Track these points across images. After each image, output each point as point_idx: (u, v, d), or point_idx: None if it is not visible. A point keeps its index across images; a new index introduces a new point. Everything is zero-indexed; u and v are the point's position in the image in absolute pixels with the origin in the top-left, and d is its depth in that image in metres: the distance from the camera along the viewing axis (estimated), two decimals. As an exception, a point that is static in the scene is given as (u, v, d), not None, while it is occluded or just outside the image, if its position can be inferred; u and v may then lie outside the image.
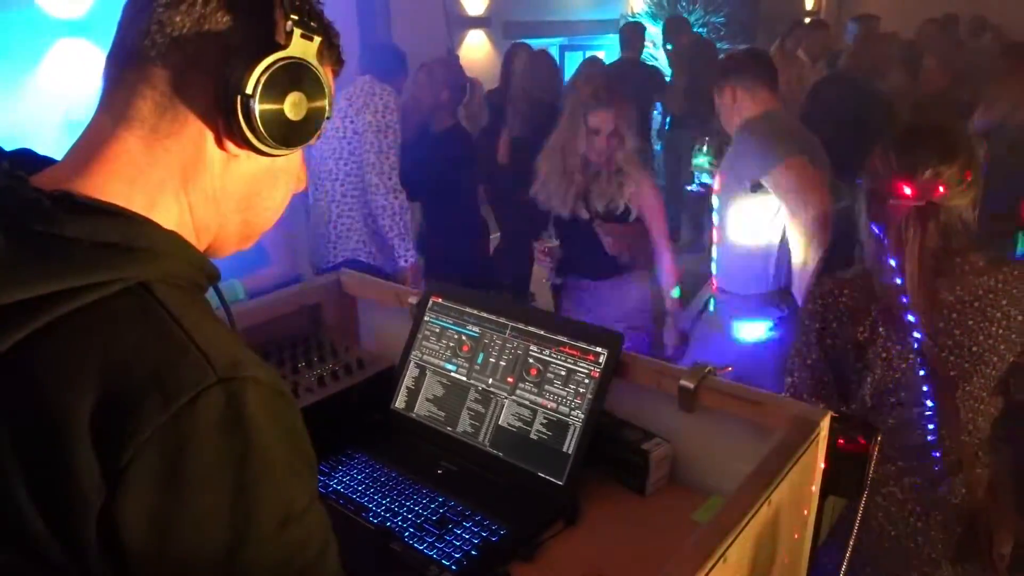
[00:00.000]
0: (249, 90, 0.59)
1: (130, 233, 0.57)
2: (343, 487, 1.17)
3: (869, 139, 1.42)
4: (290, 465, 0.57)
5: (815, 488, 1.03)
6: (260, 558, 0.55)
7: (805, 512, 1.04)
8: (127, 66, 0.61)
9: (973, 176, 1.28)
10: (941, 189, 1.25)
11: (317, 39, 0.62)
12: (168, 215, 0.61)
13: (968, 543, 1.34)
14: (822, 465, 1.02)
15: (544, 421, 1.19)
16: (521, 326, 1.25)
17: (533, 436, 1.19)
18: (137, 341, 0.54)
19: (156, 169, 0.61)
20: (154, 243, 0.58)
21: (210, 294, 0.66)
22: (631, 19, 5.98)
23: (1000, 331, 1.29)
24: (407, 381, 1.34)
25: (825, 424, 1.01)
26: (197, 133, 0.61)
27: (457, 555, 1.02)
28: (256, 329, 1.39)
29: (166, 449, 0.51)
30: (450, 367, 1.30)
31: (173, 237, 0.60)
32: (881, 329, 1.33)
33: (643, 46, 4.94)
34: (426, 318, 1.35)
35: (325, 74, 0.64)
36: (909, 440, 1.35)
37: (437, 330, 1.33)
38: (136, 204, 0.59)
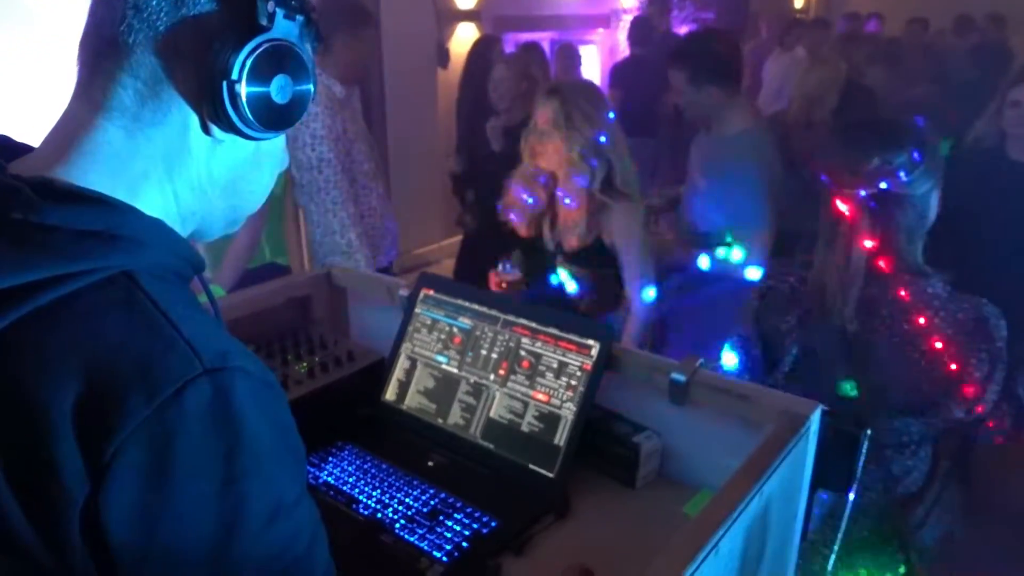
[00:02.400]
0: (235, 75, 0.59)
1: (113, 221, 0.56)
2: (333, 479, 1.16)
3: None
4: (279, 458, 0.56)
5: (805, 481, 1.04)
6: (250, 552, 0.54)
7: (796, 504, 1.05)
8: (104, 53, 0.59)
9: (927, 160, 1.25)
10: (895, 177, 1.23)
11: (299, 18, 0.61)
12: (152, 203, 0.60)
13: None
14: (812, 459, 1.03)
15: (535, 414, 1.19)
16: (512, 318, 1.25)
17: (524, 428, 1.19)
18: (121, 332, 0.53)
19: (139, 159, 0.60)
20: (138, 231, 0.57)
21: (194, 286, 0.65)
22: (625, 13, 5.95)
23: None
24: (398, 373, 1.34)
25: (815, 417, 1.01)
26: (181, 121, 0.60)
27: (448, 547, 1.02)
28: (244, 321, 1.38)
29: (152, 443, 0.50)
30: (441, 359, 1.30)
31: (158, 225, 0.59)
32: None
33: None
34: (417, 311, 1.35)
35: (308, 54, 0.63)
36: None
37: (428, 322, 1.33)
38: (119, 193, 0.58)
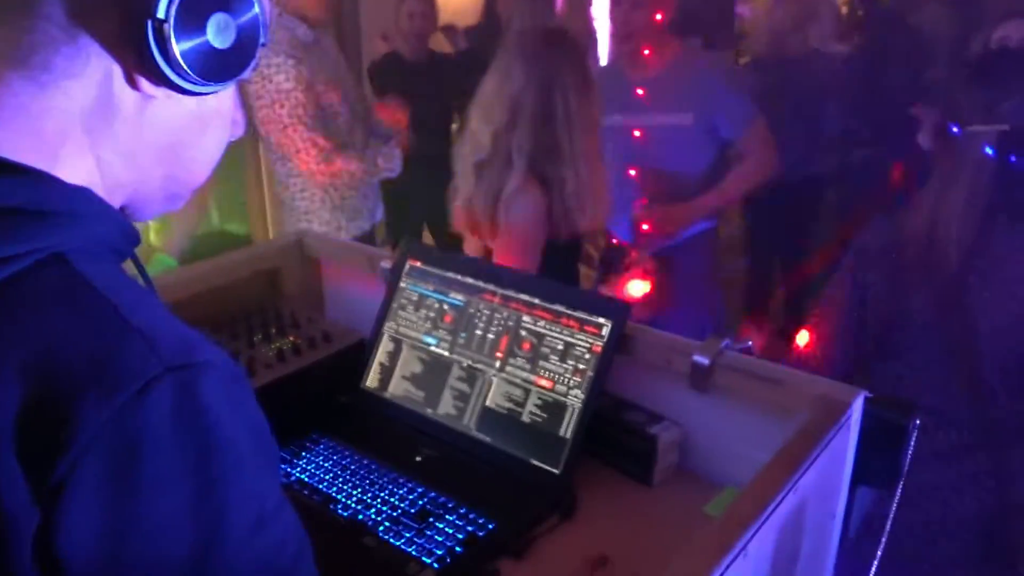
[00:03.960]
0: (161, 13, 0.55)
1: (34, 194, 0.53)
2: (308, 476, 1.17)
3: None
4: (256, 461, 0.55)
5: (845, 477, 1.05)
6: (232, 569, 0.53)
7: (834, 503, 1.06)
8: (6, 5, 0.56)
9: None
10: None
11: None
12: (74, 171, 0.57)
13: None
14: (853, 451, 1.04)
15: (538, 402, 1.19)
16: (512, 293, 1.25)
17: (525, 419, 1.19)
18: (63, 326, 0.50)
19: (54, 117, 0.56)
20: (64, 204, 0.54)
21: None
22: None
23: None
24: (380, 356, 1.34)
25: (858, 405, 1.02)
26: (102, 71, 0.57)
27: (439, 551, 1.03)
28: (203, 297, 1.38)
29: (112, 455, 0.48)
30: (430, 340, 1.30)
31: (85, 195, 0.56)
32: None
33: None
34: (402, 284, 1.35)
35: None
36: None
37: (415, 298, 1.33)
38: (33, 159, 0.55)
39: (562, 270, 1.91)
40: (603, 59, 3.13)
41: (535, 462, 1.17)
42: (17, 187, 0.53)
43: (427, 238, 3.25)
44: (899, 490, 1.07)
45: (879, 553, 1.10)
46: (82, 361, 0.49)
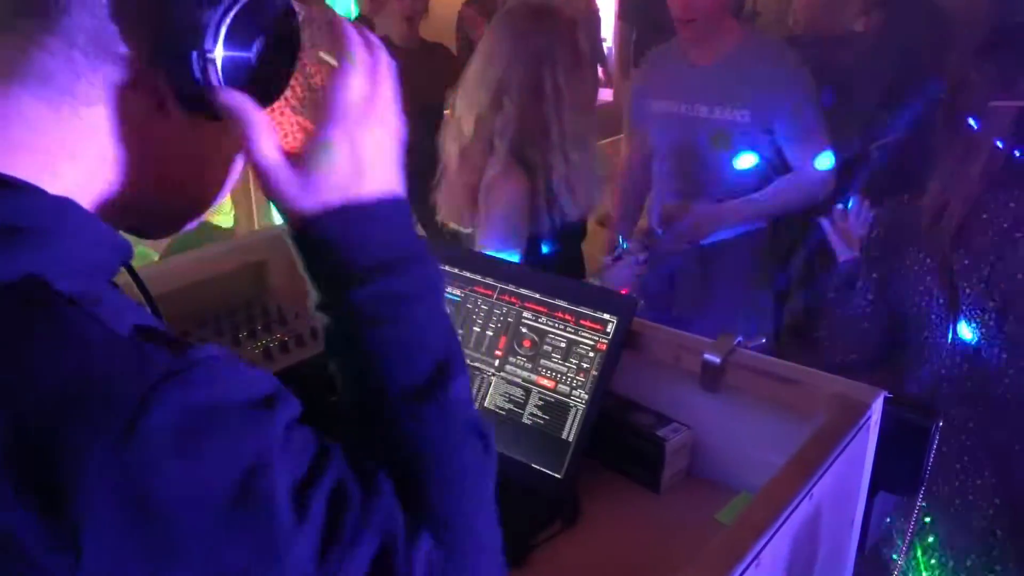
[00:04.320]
0: (207, 42, 0.56)
1: (8, 207, 0.52)
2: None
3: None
4: (286, 441, 0.53)
5: (864, 482, 1.05)
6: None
7: (852, 509, 1.06)
8: (22, 14, 0.55)
9: None
10: None
11: None
12: (70, 185, 0.56)
13: None
14: (872, 455, 1.04)
15: (539, 403, 1.19)
16: (512, 288, 1.25)
17: (526, 420, 1.20)
18: (42, 350, 0.48)
19: (67, 138, 0.56)
20: (41, 219, 0.53)
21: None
22: None
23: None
24: (372, 355, 1.34)
25: (877, 405, 1.02)
26: (127, 99, 0.57)
27: (434, 561, 1.03)
28: (186, 292, 1.38)
29: (126, 477, 0.46)
30: (425, 338, 1.31)
31: (65, 208, 0.55)
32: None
33: None
34: (396, 278, 1.35)
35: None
36: None
37: (409, 293, 1.33)
38: (20, 170, 0.54)
39: (564, 257, 1.91)
40: (608, 39, 3.10)
41: (536, 466, 1.17)
42: None
43: (419, 231, 3.25)
44: (920, 497, 1.07)
45: (901, 563, 1.11)
46: (72, 387, 0.47)
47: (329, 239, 0.61)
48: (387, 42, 3.46)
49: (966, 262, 1.43)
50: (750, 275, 2.38)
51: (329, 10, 0.64)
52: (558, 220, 1.82)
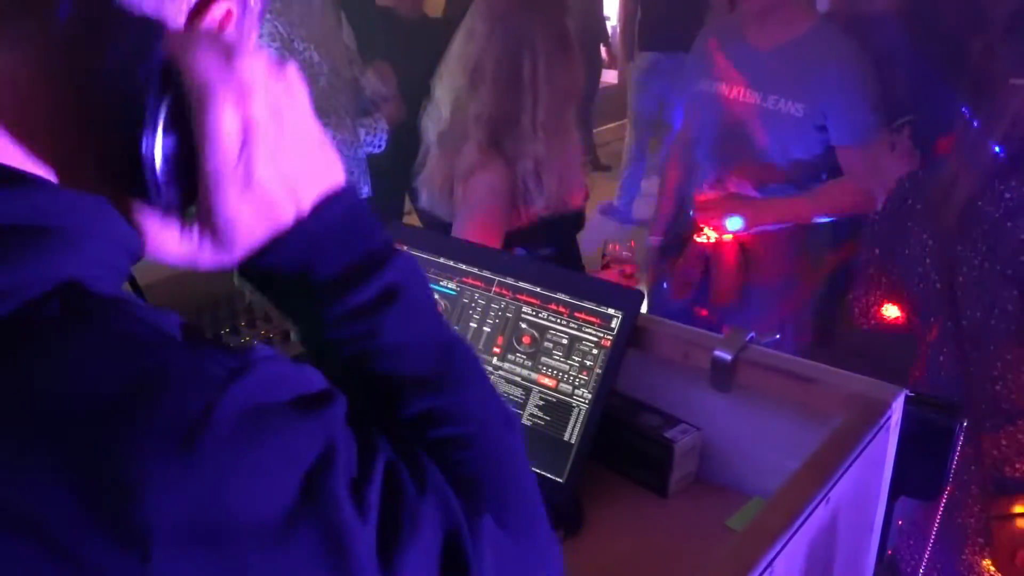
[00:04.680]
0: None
1: (40, 206, 0.50)
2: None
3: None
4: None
5: (884, 486, 1.05)
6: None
7: (871, 514, 1.06)
8: None
9: None
10: None
11: None
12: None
13: None
14: (892, 457, 1.04)
15: (540, 403, 1.20)
16: (511, 281, 1.25)
17: (526, 421, 1.20)
18: (98, 359, 0.47)
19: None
20: (76, 220, 0.51)
21: None
22: None
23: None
24: (363, 352, 1.35)
25: (898, 405, 1.02)
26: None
27: (429, 570, 1.04)
28: (163, 286, 1.37)
29: (193, 483, 0.46)
30: (418, 334, 1.31)
31: (99, 208, 0.53)
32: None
33: None
34: (387, 271, 1.35)
35: None
36: None
37: (401, 287, 1.34)
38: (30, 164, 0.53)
39: (559, 249, 1.91)
40: (612, 18, 3.08)
41: (536, 470, 1.17)
42: (20, 198, 0.50)
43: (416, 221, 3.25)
44: (943, 501, 1.08)
45: (921, 572, 1.11)
46: (132, 404, 0.46)
47: (277, 274, 0.60)
48: (391, 16, 3.40)
49: (959, 248, 1.47)
50: (791, 267, 2.38)
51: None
52: (524, 215, 1.80)
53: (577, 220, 1.99)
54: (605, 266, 2.05)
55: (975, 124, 1.51)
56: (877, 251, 1.66)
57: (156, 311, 0.52)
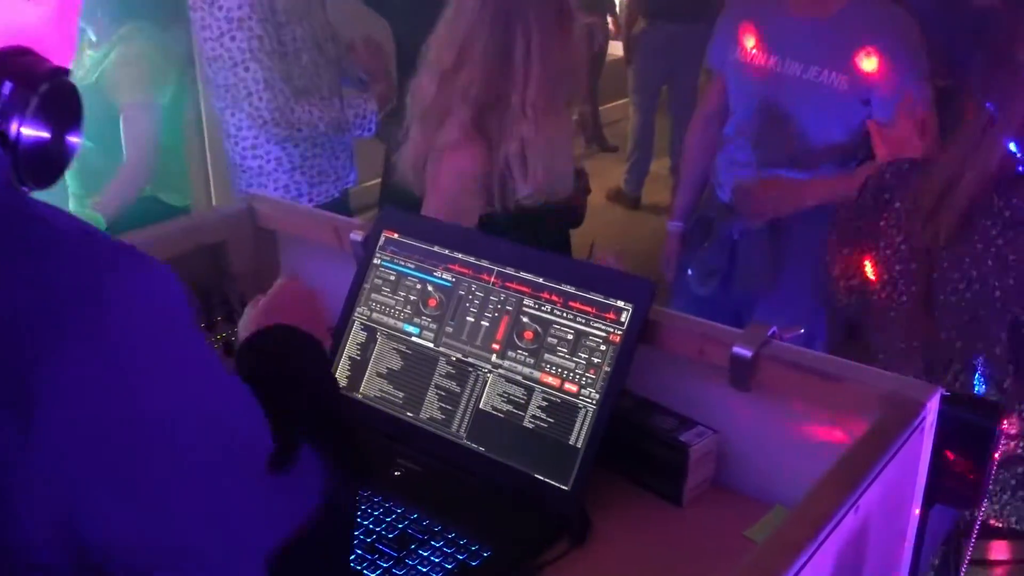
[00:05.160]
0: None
1: None
2: (262, 495, 1.17)
3: None
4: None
5: (917, 493, 1.05)
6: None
7: (904, 524, 1.06)
8: None
9: None
10: None
11: None
12: None
13: None
14: (927, 462, 1.04)
15: (543, 404, 1.19)
16: (512, 272, 1.25)
17: (528, 424, 1.20)
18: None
19: None
20: None
21: None
22: None
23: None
24: (350, 349, 1.34)
25: (933, 405, 1.02)
26: None
27: (423, 586, 1.03)
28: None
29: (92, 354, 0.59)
30: (411, 329, 1.31)
31: None
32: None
33: None
34: (376, 261, 1.35)
35: None
36: None
37: (392, 277, 1.33)
38: None
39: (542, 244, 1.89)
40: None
41: (540, 477, 1.17)
42: None
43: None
44: (982, 510, 1.07)
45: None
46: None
47: None
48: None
49: (945, 265, 1.41)
50: (825, 253, 2.37)
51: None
52: (501, 202, 1.79)
53: (568, 213, 1.96)
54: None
55: (992, 113, 1.42)
56: (845, 251, 1.60)
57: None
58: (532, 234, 1.83)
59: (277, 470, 0.70)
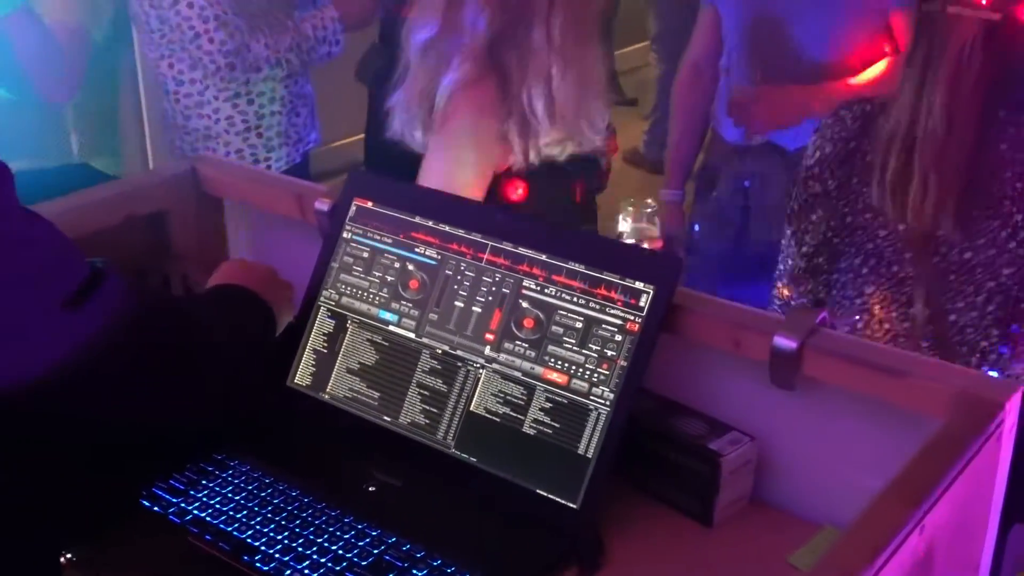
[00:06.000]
0: None
1: None
2: (211, 515, 1.18)
3: None
4: None
5: (994, 510, 1.06)
6: None
7: (977, 547, 1.07)
8: None
9: None
10: None
11: None
12: None
13: None
14: (1006, 474, 1.05)
15: (547, 405, 1.20)
16: (509, 247, 1.25)
17: (528, 430, 1.20)
18: None
19: None
20: None
21: None
22: None
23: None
24: (315, 340, 1.35)
25: (1013, 406, 1.02)
26: None
27: (403, 622, 1.04)
28: (84, 248, 1.38)
29: None
30: (388, 316, 1.31)
31: None
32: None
33: None
34: (346, 235, 1.35)
35: None
36: None
37: (365, 255, 1.33)
38: None
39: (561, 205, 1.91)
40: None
41: (543, 493, 1.18)
42: None
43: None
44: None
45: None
46: None
47: None
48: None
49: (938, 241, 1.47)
50: None
51: None
52: (520, 155, 1.80)
53: (592, 170, 1.97)
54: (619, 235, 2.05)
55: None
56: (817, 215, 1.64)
57: None
58: (556, 195, 1.84)
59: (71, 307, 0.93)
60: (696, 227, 2.58)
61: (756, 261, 2.37)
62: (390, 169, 1.89)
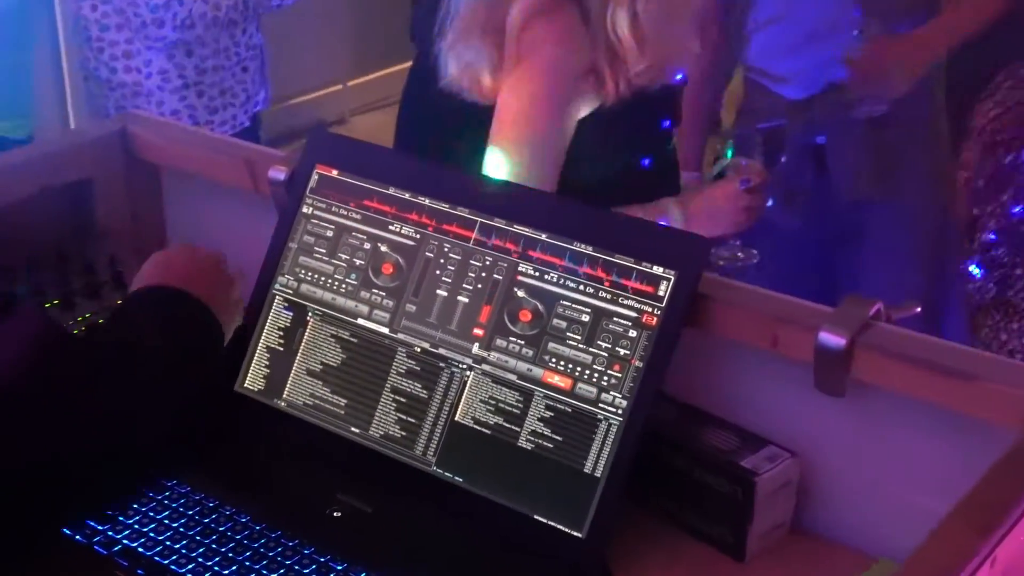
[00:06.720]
0: None
1: None
2: (144, 545, 1.18)
3: None
4: None
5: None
6: None
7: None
8: None
9: None
10: None
11: None
12: None
13: None
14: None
15: (547, 414, 1.20)
16: (502, 224, 1.25)
17: (525, 444, 1.20)
18: None
19: None
20: None
21: None
22: None
23: None
24: (269, 336, 1.35)
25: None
26: None
27: (374, 674, 1.05)
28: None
29: None
30: (356, 308, 1.31)
31: None
32: None
33: None
34: (307, 210, 1.35)
35: None
36: None
37: (329, 233, 1.34)
38: None
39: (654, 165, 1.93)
40: None
41: (541, 519, 1.18)
42: None
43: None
44: None
45: None
46: None
47: None
48: None
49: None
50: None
51: None
52: (612, 90, 1.81)
53: (674, 101, 2.02)
54: (719, 175, 2.07)
55: None
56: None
57: None
58: (642, 133, 1.89)
59: None
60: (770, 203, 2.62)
61: (828, 245, 2.46)
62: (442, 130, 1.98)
